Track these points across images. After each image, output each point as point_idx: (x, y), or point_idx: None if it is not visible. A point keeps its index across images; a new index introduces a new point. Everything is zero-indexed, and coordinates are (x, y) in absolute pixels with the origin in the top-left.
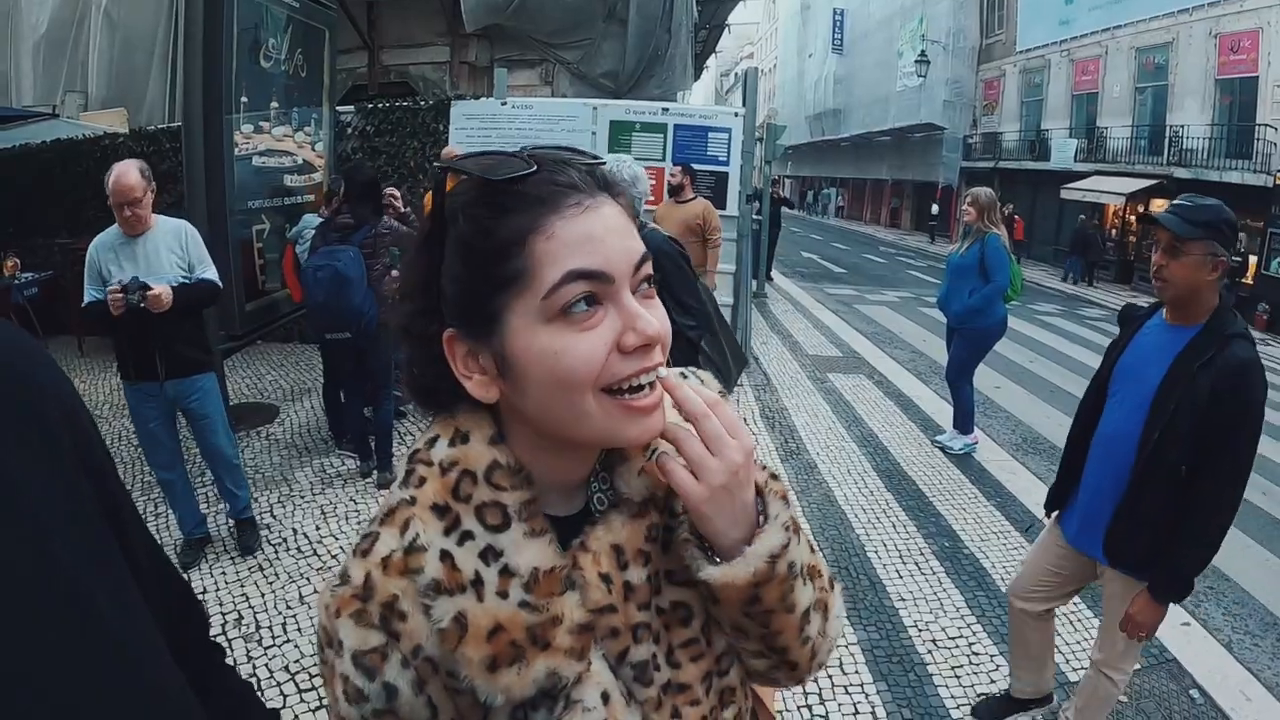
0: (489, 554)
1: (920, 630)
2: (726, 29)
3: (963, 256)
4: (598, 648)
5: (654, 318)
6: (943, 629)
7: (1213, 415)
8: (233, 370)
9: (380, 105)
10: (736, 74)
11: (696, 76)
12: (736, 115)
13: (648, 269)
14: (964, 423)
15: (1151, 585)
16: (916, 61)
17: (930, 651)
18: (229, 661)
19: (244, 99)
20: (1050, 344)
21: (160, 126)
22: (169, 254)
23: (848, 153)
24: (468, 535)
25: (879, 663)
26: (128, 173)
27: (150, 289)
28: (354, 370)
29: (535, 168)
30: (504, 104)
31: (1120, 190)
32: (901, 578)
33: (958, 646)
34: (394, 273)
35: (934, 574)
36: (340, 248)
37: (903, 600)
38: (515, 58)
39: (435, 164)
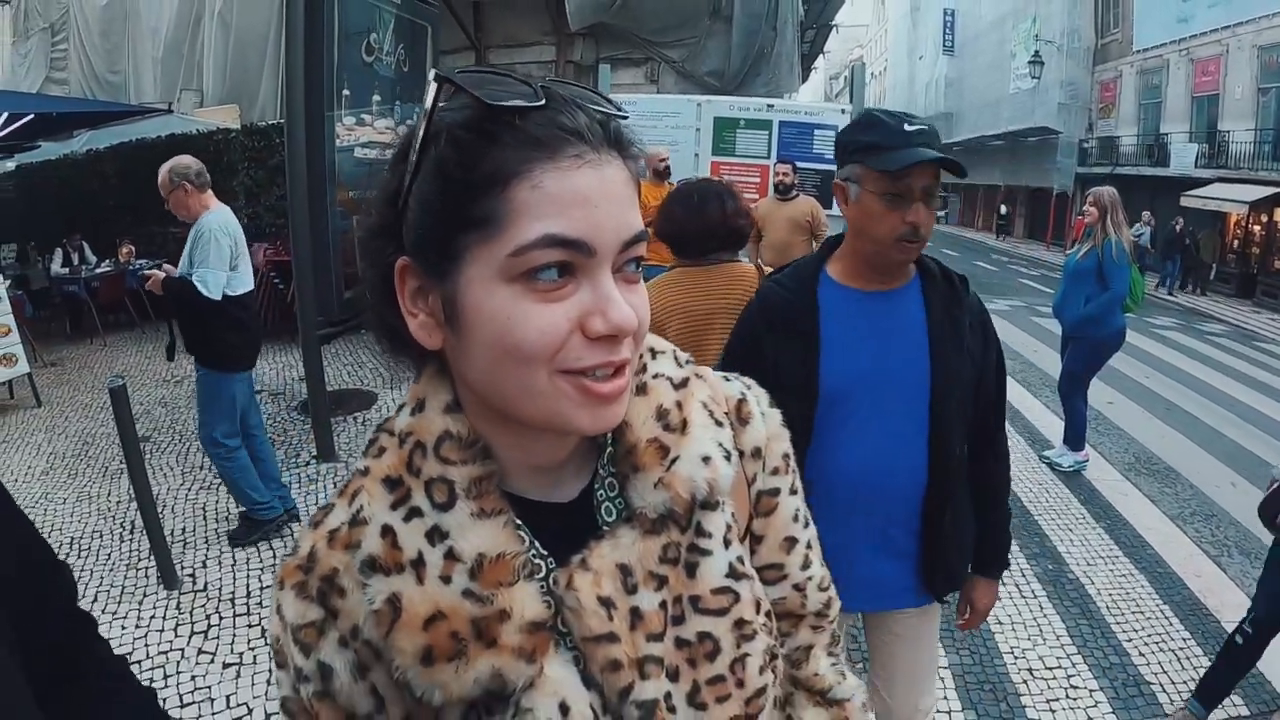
0: (434, 534)
1: (1016, 657)
2: (834, 29)
3: (1081, 260)
4: (561, 652)
5: (630, 305)
6: (1040, 658)
7: (986, 366)
8: (334, 356)
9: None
10: (845, 77)
11: (804, 78)
12: (843, 111)
13: (639, 249)
14: (1075, 438)
15: (987, 569)
16: (1030, 63)
17: (1025, 681)
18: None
19: (346, 93)
20: (1166, 359)
21: (270, 122)
22: (186, 249)
23: (958, 157)
24: (415, 512)
25: (969, 690)
26: (160, 170)
27: (149, 273)
28: None
29: (542, 101)
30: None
31: (1243, 198)
32: (1000, 600)
33: (1055, 678)
34: None
35: (1035, 598)
36: None
37: (999, 624)
38: (620, 56)
39: (435, 70)
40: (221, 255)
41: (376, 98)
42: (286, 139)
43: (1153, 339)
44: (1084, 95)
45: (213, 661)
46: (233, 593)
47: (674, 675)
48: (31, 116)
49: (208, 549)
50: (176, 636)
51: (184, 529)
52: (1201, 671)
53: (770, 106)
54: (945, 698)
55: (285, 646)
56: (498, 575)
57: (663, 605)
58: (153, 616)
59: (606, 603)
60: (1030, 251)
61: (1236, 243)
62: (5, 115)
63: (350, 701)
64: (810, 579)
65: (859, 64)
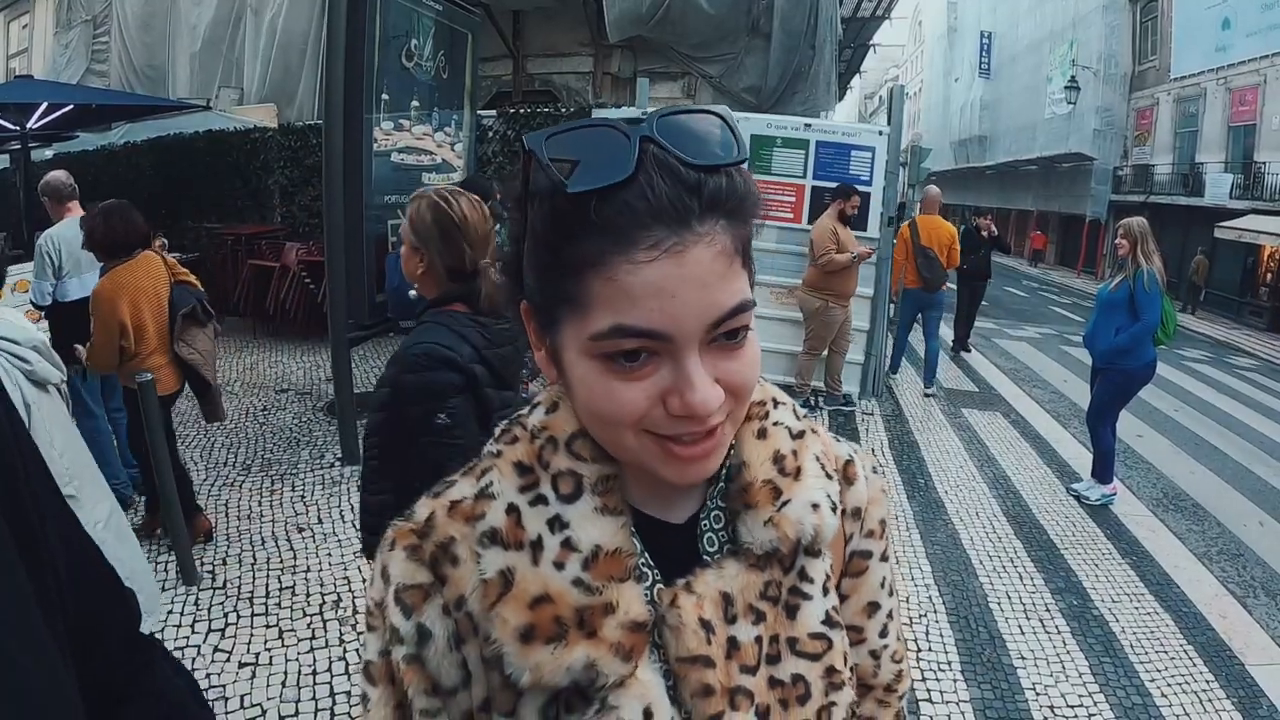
0: (555, 523)
1: (1038, 694)
2: (871, 49)
3: (1113, 291)
4: (654, 658)
5: (729, 372)
6: (1062, 695)
7: None
8: (363, 359)
9: (522, 111)
10: (881, 97)
11: (840, 96)
12: (881, 134)
13: (738, 321)
14: (1103, 471)
15: None
16: (1066, 88)
17: (1046, 719)
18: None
19: (385, 97)
20: (1196, 393)
21: (308, 123)
22: None
23: (992, 181)
24: (541, 499)
25: None
26: None
27: None
28: None
29: (625, 174)
30: (644, 114)
31: (1278, 230)
32: (1024, 634)
33: (1076, 717)
34: None
35: (1058, 634)
36: None
37: (1022, 659)
38: (658, 70)
39: (526, 137)
40: (44, 266)
41: (415, 104)
42: (324, 140)
43: (1183, 372)
44: (1119, 122)
45: (229, 660)
46: (251, 592)
47: (764, 715)
48: (71, 107)
49: (229, 546)
50: (193, 633)
51: None
52: (1224, 716)
53: (808, 126)
54: None
55: (385, 606)
56: (610, 570)
57: (758, 640)
58: (170, 612)
59: (706, 625)
60: (1062, 278)
61: (1270, 275)
62: (45, 104)
63: (439, 670)
64: (886, 648)
65: (898, 86)
